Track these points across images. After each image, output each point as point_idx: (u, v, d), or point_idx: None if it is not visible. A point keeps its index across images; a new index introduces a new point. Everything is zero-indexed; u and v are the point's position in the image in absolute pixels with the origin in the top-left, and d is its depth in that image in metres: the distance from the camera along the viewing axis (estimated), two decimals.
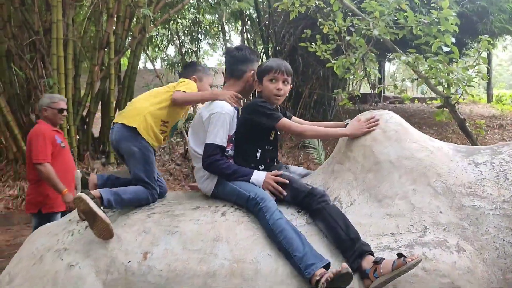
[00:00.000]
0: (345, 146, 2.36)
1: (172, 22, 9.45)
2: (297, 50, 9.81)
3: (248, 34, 10.43)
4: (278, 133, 2.55)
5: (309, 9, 4.39)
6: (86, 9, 8.03)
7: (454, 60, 4.33)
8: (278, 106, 2.56)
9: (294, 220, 2.11)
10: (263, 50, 10.32)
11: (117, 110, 8.45)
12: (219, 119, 2.33)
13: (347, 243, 1.95)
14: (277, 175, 2.26)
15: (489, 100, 15.86)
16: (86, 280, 2.00)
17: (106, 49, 8.15)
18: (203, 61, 10.84)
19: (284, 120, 2.37)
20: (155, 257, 2.02)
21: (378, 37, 3.89)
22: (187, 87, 2.61)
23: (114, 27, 8.09)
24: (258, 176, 2.28)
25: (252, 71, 2.54)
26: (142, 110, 2.50)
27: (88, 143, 8.26)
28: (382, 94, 12.14)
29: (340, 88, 9.70)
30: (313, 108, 9.68)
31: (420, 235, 1.99)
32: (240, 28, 10.63)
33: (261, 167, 2.44)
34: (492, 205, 2.03)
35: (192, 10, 9.57)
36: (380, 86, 4.48)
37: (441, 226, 2.02)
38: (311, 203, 2.12)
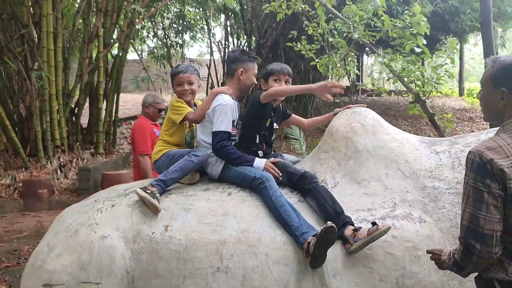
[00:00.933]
0: (330, 138, 2.85)
1: (157, 15, 9.76)
2: (279, 44, 10.26)
3: (232, 28, 10.81)
4: (275, 126, 3.03)
5: (295, 12, 4.84)
6: (76, 3, 8.27)
7: (429, 57, 4.85)
8: (280, 104, 3.05)
9: (289, 199, 2.58)
10: (246, 44, 10.73)
11: (105, 101, 8.76)
12: (223, 109, 2.78)
13: (333, 215, 2.43)
14: (274, 162, 2.73)
15: (461, 93, 16.69)
16: (117, 248, 2.43)
17: (95, 42, 8.44)
18: (186, 52, 11.18)
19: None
20: (175, 229, 2.47)
21: (358, 40, 4.37)
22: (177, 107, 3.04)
23: (102, 21, 8.36)
24: (260, 161, 2.74)
25: (241, 69, 2.98)
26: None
27: (78, 134, 8.55)
28: (360, 87, 12.74)
29: (320, 81, 10.20)
30: (294, 100, 10.17)
31: (390, 210, 2.49)
32: (223, 22, 10.99)
33: (261, 154, 2.90)
34: (448, 186, 2.54)
35: (177, 5, 9.88)
36: (358, 84, 4.88)
37: (408, 203, 2.52)
38: (303, 184, 2.60)
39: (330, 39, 4.56)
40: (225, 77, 9.81)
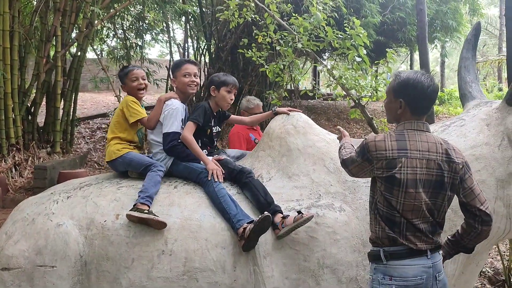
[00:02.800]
0: (267, 137, 3.24)
1: (117, 17, 9.92)
2: (237, 48, 10.63)
3: (192, 31, 11.10)
4: (216, 130, 3.39)
5: (247, 20, 5.21)
6: (34, 2, 8.35)
7: (368, 66, 5.34)
8: (219, 113, 3.43)
9: (229, 191, 2.94)
10: (205, 47, 11.04)
11: (62, 100, 8.87)
12: (173, 113, 3.14)
13: (265, 205, 2.82)
14: (218, 160, 3.09)
15: None
16: (71, 234, 2.72)
17: (53, 42, 8.54)
18: (146, 53, 11.37)
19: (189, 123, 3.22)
20: (125, 217, 2.78)
21: (302, 49, 4.81)
22: (133, 108, 3.29)
23: (60, 21, 8.47)
24: (209, 159, 3.11)
25: (173, 79, 3.39)
26: (109, 147, 3.31)
27: (34, 132, 8.61)
28: (316, 92, 13.32)
29: (276, 85, 10.66)
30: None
31: (316, 201, 2.90)
32: (183, 25, 11.26)
33: (206, 152, 3.26)
34: (365, 180, 2.97)
35: (138, 7, 10.08)
36: (303, 89, 5.25)
37: (331, 195, 2.94)
38: (241, 178, 2.97)
39: (278, 48, 4.97)
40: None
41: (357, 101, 5.10)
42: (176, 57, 12.23)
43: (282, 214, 2.79)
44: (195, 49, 10.86)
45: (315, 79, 14.60)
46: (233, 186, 3.05)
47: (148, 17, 10.48)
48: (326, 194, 2.94)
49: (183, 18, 11.24)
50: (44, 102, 8.84)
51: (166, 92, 11.06)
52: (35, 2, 8.38)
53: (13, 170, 7.79)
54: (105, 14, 8.82)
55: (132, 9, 9.86)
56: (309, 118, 3.32)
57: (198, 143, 3.20)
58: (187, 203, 2.87)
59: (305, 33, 4.76)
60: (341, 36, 4.97)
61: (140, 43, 10.33)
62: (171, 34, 10.95)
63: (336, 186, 2.97)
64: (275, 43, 5.04)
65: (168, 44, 11.31)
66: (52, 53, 8.75)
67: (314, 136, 3.16)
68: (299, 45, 4.70)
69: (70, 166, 8.24)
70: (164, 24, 10.70)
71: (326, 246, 2.73)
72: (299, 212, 2.71)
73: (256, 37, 5.11)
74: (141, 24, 9.86)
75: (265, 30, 5.12)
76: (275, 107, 3.47)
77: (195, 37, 10.85)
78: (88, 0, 8.41)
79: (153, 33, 10.46)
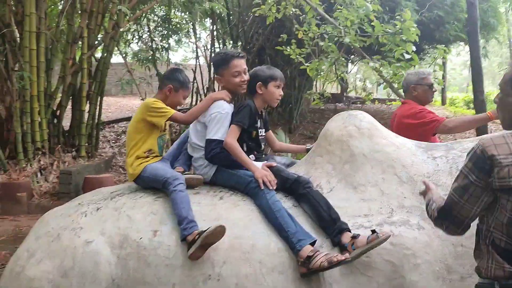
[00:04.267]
0: (325, 141, 2.75)
1: (143, 18, 9.60)
2: (265, 49, 10.19)
3: (218, 32, 10.72)
4: (262, 134, 2.93)
5: (284, 16, 4.77)
6: (60, 3, 8.07)
7: (413, 66, 4.83)
8: (264, 114, 2.97)
9: (283, 204, 2.47)
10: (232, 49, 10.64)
11: (88, 104, 8.55)
12: (220, 118, 2.70)
13: (329, 222, 2.34)
14: (269, 166, 2.62)
15: (443, 102, 16.91)
16: (102, 254, 2.29)
17: (79, 44, 8.23)
18: (171, 57, 11.04)
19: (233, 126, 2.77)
20: (164, 234, 2.34)
21: (349, 44, 4.32)
22: (157, 108, 2.83)
23: (87, 22, 8.18)
24: (258, 165, 2.64)
25: (218, 77, 2.93)
26: (129, 165, 2.81)
27: (59, 136, 8.32)
28: (344, 95, 12.75)
29: (306, 87, 10.18)
30: (280, 106, 10.11)
31: (388, 216, 2.40)
32: (210, 26, 10.90)
33: (252, 158, 2.80)
34: (445, 191, 2.45)
35: (164, 8, 9.75)
36: (351, 89, 4.78)
37: (405, 209, 2.44)
38: (298, 189, 2.49)
39: (321, 43, 4.49)
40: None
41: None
42: (202, 60, 11.84)
43: (351, 232, 2.31)
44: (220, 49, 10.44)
45: (342, 81, 14.03)
46: (288, 198, 2.57)
47: (174, 20, 10.13)
48: (400, 209, 2.44)
49: (209, 21, 10.88)
50: (69, 106, 8.53)
51: (192, 96, 10.68)
52: (61, 3, 8.07)
53: (38, 174, 7.47)
54: (132, 15, 8.49)
55: (157, 9, 9.54)
56: (373, 118, 2.83)
57: (243, 148, 2.74)
58: (236, 217, 2.41)
59: (353, 26, 4.28)
60: (389, 31, 4.47)
61: (166, 46, 9.98)
62: (197, 35, 10.57)
63: (411, 198, 2.47)
64: (317, 38, 4.57)
65: (193, 46, 10.97)
66: (78, 55, 8.43)
67: (381, 140, 2.67)
68: (347, 40, 4.21)
69: (95, 170, 7.89)
70: (191, 26, 10.34)
71: (405, 272, 2.24)
72: (373, 231, 2.22)
73: (296, 32, 4.64)
74: (167, 25, 9.50)
75: (306, 25, 4.65)
76: (308, 145, 3.11)
77: (221, 39, 10.46)
78: (115, 0, 8.09)
79: (179, 34, 10.09)
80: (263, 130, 2.95)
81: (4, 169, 7.39)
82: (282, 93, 2.88)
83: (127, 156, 2.83)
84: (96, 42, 8.49)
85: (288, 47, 4.84)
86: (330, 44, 4.40)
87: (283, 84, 2.91)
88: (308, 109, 10.60)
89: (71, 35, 8.08)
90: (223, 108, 2.75)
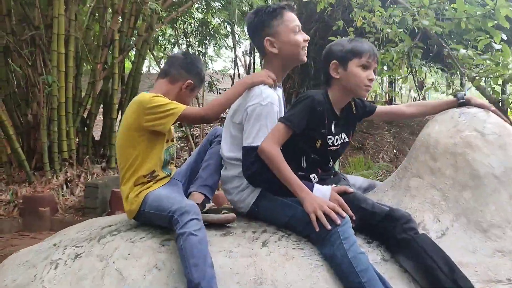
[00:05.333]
0: (425, 153, 1.74)
1: (179, 22, 8.86)
2: (308, 52, 9.21)
3: None
4: (341, 140, 1.94)
5: (334, 7, 3.81)
6: (90, 4, 7.44)
7: (509, 56, 3.68)
8: (354, 102, 1.99)
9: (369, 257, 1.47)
10: None
11: (120, 112, 7.85)
12: (261, 113, 1.74)
13: None
14: (344, 192, 1.63)
15: None
16: None
17: (110, 47, 7.57)
18: (210, 63, 10.23)
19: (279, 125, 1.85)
20: None
21: (429, 28, 3.26)
22: (161, 105, 1.91)
23: (119, 24, 7.51)
24: (321, 191, 1.65)
25: (267, 38, 1.94)
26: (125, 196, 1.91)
27: (88, 146, 7.64)
28: (393, 98, 11.36)
29: None
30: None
31: None
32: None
33: (314, 179, 1.81)
34: None
35: (201, 11, 9.00)
36: (428, 86, 3.81)
37: None
38: (392, 231, 1.49)
39: (388, 30, 3.46)
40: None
41: (498, 102, 3.48)
42: (241, 70, 10.95)
43: None
44: (261, 56, 9.55)
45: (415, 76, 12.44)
46: (372, 246, 1.57)
47: (212, 23, 9.36)
48: None
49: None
50: (100, 113, 7.85)
51: None
52: (91, 4, 7.42)
53: (64, 187, 6.77)
54: (166, 16, 7.76)
55: (194, 12, 8.79)
56: (504, 121, 1.79)
57: (300, 160, 1.78)
58: (290, 279, 1.43)
59: (431, 5, 3.23)
60: (478, 13, 3.39)
61: (203, 50, 9.20)
62: (236, 38, 9.72)
63: None
64: (381, 25, 3.55)
65: (232, 55, 10.16)
66: (109, 60, 7.76)
67: None
68: (425, 23, 3.17)
69: None
70: (229, 29, 9.52)
71: None
72: None
73: (355, 19, 3.65)
74: (204, 28, 8.72)
75: (366, 9, 3.64)
76: (463, 93, 1.95)
77: None
78: (147, 0, 7.36)
79: (217, 38, 9.28)
80: (341, 136, 1.96)
81: (29, 181, 6.75)
82: (373, 76, 1.89)
83: (120, 183, 1.92)
84: (128, 45, 7.80)
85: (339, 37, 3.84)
86: (400, 30, 3.36)
87: (376, 64, 1.91)
88: None
89: (101, 38, 7.41)
90: (266, 97, 1.81)
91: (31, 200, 6.28)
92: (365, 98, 2.07)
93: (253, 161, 1.74)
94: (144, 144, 1.85)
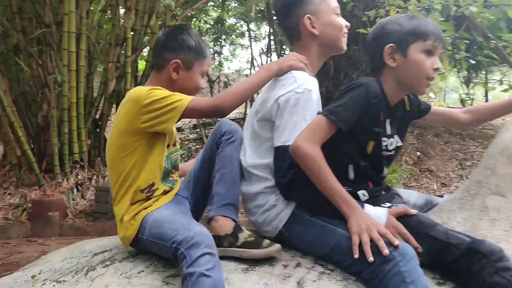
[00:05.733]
0: (509, 164, 1.32)
1: (194, 19, 8.55)
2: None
3: (275, 35, 9.48)
4: (395, 144, 1.54)
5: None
6: (102, 1, 7.15)
7: None
8: (410, 96, 1.62)
9: None
10: (290, 51, 9.36)
11: None
12: (297, 103, 1.38)
13: None
14: (404, 213, 1.23)
15: None
16: None
17: (122, 46, 7.28)
18: (226, 64, 9.88)
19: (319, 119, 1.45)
20: None
21: (471, 18, 2.83)
22: (161, 93, 1.56)
23: (132, 22, 7.22)
24: (376, 215, 1.26)
25: (307, 16, 1.61)
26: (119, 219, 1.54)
27: (100, 147, 7.35)
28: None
29: None
30: (332, 83, 8.63)
31: None
32: (266, 28, 9.71)
33: (364, 196, 1.42)
34: None
35: (216, 8, 8.68)
36: (477, 81, 3.37)
37: None
38: (479, 272, 1.09)
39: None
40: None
41: None
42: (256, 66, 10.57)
43: None
44: (278, 55, 9.22)
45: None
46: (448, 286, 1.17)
47: (226, 21, 9.03)
48: None
49: (266, 29, 9.68)
50: (112, 114, 7.55)
51: (245, 112, 9.40)
52: (103, 1, 7.14)
53: (75, 190, 6.48)
54: (181, 13, 7.44)
55: (210, 10, 8.47)
56: None
57: (346, 171, 1.39)
58: None
59: None
60: None
61: (218, 49, 8.88)
62: (252, 36, 9.36)
63: None
64: (422, 9, 3.10)
65: (248, 56, 9.81)
66: (122, 59, 7.47)
67: None
68: (473, 9, 2.73)
69: None
70: (245, 27, 9.18)
71: None
72: None
73: (388, 8, 3.23)
74: (219, 26, 8.39)
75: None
76: None
77: (279, 42, 9.19)
78: None
79: (233, 37, 8.96)
80: (396, 139, 1.56)
81: (39, 184, 6.48)
82: (440, 65, 1.49)
83: (113, 202, 1.55)
84: (141, 44, 7.49)
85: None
86: (443, 19, 2.93)
87: (442, 48, 1.52)
88: None
89: (113, 36, 7.12)
90: (302, 83, 1.46)
91: (40, 204, 6.01)
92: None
93: (290, 165, 1.36)
94: (142, 151, 1.49)
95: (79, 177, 6.66)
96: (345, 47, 1.69)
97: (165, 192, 1.53)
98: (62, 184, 6.47)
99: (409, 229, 1.23)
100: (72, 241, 5.52)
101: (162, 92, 1.51)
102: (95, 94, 7.21)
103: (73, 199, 6.38)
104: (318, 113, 1.45)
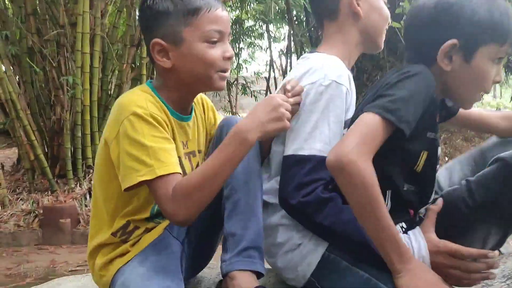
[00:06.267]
0: None
1: None
2: None
3: (295, 36, 9.14)
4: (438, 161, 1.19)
5: None
6: (117, 1, 6.92)
7: None
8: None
9: None
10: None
11: None
12: (320, 98, 1.09)
13: None
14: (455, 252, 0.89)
15: None
16: None
17: (137, 47, 7.04)
18: (244, 68, 9.57)
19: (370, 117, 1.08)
20: None
21: None
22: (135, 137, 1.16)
23: None
24: (420, 252, 0.91)
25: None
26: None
27: None
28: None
29: None
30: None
31: None
32: (286, 29, 9.38)
33: (403, 227, 1.06)
34: None
35: (234, 8, 8.39)
36: None
37: None
38: None
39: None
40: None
41: None
42: (277, 73, 10.22)
43: None
44: (298, 56, 8.85)
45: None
46: None
47: (245, 22, 8.73)
48: None
49: (285, 23, 9.32)
50: None
51: None
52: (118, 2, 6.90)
53: (87, 196, 6.26)
54: None
55: (228, 9, 8.19)
56: None
57: (385, 196, 1.05)
58: None
59: None
60: None
61: (236, 51, 8.58)
62: (272, 36, 9.05)
63: None
64: None
65: (267, 58, 9.47)
66: (137, 60, 7.24)
67: None
68: None
69: None
70: (264, 28, 8.85)
71: None
72: None
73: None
74: (237, 28, 8.09)
75: None
76: None
77: (299, 42, 8.83)
78: None
79: (252, 38, 8.66)
80: (438, 148, 1.21)
81: (51, 190, 6.29)
82: (502, 77, 1.15)
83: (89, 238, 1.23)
84: None
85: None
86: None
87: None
88: None
89: (128, 37, 6.89)
90: (329, 73, 1.15)
91: (52, 211, 5.81)
92: None
93: (301, 183, 1.01)
94: (118, 184, 1.15)
95: (92, 182, 6.45)
96: (381, 46, 1.35)
97: (148, 230, 1.20)
98: (75, 190, 6.27)
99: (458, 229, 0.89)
100: (83, 249, 5.27)
101: (147, 130, 1.12)
102: (110, 97, 7.00)
103: (86, 206, 6.16)
104: (359, 112, 1.09)
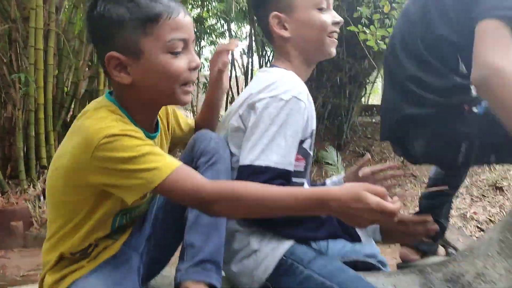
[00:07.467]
0: None
1: None
2: None
3: (257, 36, 9.15)
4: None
5: None
6: None
7: None
8: None
9: None
10: (273, 54, 9.03)
11: None
12: (279, 113, 1.13)
13: None
14: None
15: None
16: None
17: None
18: (205, 66, 9.47)
19: None
20: None
21: None
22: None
23: None
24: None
25: (274, 14, 1.34)
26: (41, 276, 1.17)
27: None
28: None
29: (358, 96, 8.44)
30: (327, 119, 8.37)
31: None
32: (247, 28, 9.37)
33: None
34: None
35: (195, 7, 8.29)
36: None
37: None
38: None
39: None
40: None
41: None
42: (239, 72, 10.20)
43: None
44: (260, 55, 8.89)
45: None
46: None
47: (206, 20, 8.63)
48: None
49: (243, 29, 9.33)
50: None
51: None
52: None
53: (41, 198, 6.00)
54: None
55: (189, 7, 8.07)
56: None
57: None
58: None
59: None
60: None
61: (197, 49, 8.48)
62: (233, 35, 9.00)
63: None
64: None
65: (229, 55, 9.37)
66: (95, 57, 7.02)
67: None
68: None
69: None
70: (225, 27, 8.80)
71: None
72: None
73: (382, 4, 2.87)
74: (199, 25, 7.99)
75: None
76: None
77: (261, 42, 8.84)
78: None
79: (213, 37, 8.58)
80: None
81: (2, 191, 5.98)
82: None
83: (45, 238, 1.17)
84: None
85: (367, 29, 3.05)
86: None
87: None
88: (360, 122, 8.82)
89: (85, 33, 6.66)
90: (290, 89, 1.20)
91: (2, 213, 5.54)
92: None
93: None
94: (85, 205, 1.08)
95: (45, 202, 6.20)
96: (332, 51, 1.36)
97: (106, 248, 1.14)
98: (28, 191, 6.00)
99: None
100: (36, 252, 5.05)
101: (129, 143, 1.03)
102: (65, 95, 6.73)
103: (40, 207, 5.90)
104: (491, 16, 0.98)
